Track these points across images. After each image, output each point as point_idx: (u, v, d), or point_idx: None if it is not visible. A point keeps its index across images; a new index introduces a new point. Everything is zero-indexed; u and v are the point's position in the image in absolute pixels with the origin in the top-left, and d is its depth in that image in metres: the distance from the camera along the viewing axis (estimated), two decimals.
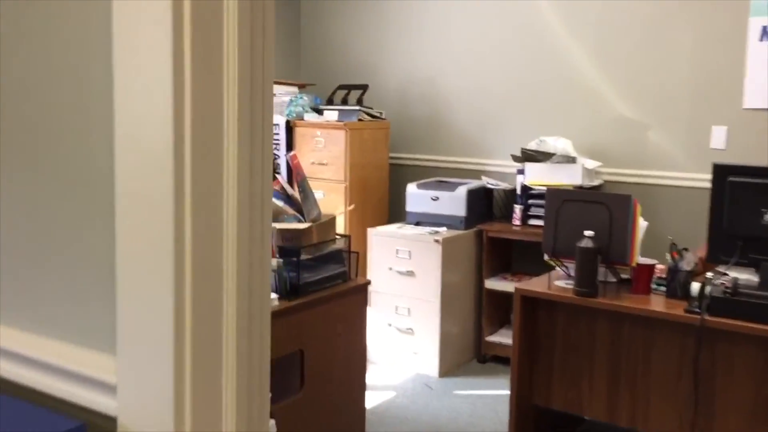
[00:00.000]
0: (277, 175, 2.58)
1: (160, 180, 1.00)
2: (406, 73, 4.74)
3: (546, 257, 2.82)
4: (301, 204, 2.55)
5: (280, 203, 2.55)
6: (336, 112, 4.33)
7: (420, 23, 4.66)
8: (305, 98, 4.51)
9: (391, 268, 4.02)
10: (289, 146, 4.37)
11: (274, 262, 2.44)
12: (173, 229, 0.99)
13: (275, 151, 4.39)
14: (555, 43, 4.16)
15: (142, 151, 1.01)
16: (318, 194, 4.26)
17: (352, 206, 4.11)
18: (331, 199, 4.25)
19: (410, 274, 3.97)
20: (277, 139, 4.38)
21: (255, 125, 1.07)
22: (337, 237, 2.74)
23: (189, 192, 1.00)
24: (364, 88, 4.51)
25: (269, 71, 1.09)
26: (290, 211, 2.56)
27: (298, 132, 4.37)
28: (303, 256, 2.52)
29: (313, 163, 4.31)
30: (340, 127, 4.21)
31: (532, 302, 2.83)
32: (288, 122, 4.37)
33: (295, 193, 2.56)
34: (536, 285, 2.85)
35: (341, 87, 4.59)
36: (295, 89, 4.60)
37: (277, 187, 2.57)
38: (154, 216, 1.01)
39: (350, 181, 4.23)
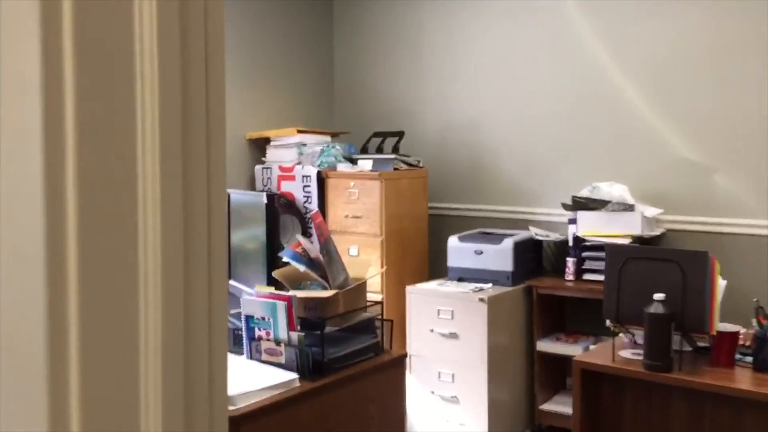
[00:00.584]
0: (299, 237, 2.28)
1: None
2: (444, 117, 4.46)
3: (608, 323, 2.45)
4: (326, 268, 2.25)
5: (301, 268, 2.25)
6: (370, 161, 4.05)
7: (459, 65, 4.39)
8: (338, 147, 4.25)
9: (432, 330, 3.67)
10: (321, 199, 4.10)
11: (295, 336, 2.13)
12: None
13: (306, 204, 4.13)
14: (607, 80, 3.83)
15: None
16: (352, 250, 3.96)
17: (384, 269, 3.79)
18: (367, 254, 3.94)
19: (453, 336, 3.62)
20: (309, 192, 4.11)
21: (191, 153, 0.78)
22: (369, 304, 2.43)
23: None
24: (399, 135, 4.24)
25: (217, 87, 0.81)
26: (314, 276, 2.26)
27: (331, 183, 4.10)
28: (328, 329, 2.20)
29: (346, 216, 4.02)
30: (375, 177, 3.93)
31: (594, 375, 2.45)
32: (320, 173, 4.10)
33: (320, 255, 2.26)
34: (598, 356, 2.48)
35: (376, 134, 4.32)
36: (327, 138, 4.35)
37: (298, 250, 2.27)
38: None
39: (386, 235, 3.92)
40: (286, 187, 4.21)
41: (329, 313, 2.21)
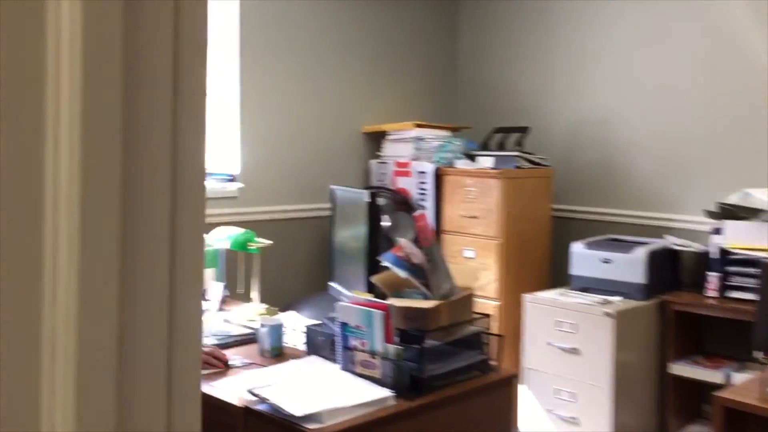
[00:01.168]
0: (401, 240, 2.09)
1: None
2: (573, 113, 4.12)
3: (758, 355, 2.09)
4: (428, 276, 2.04)
5: (402, 274, 2.06)
6: (491, 159, 3.80)
7: (592, 56, 4.04)
8: (457, 143, 4.02)
9: (550, 343, 3.38)
10: (437, 196, 3.89)
11: (392, 348, 1.93)
12: None
13: (421, 202, 3.93)
14: (763, 72, 3.38)
15: None
16: (467, 252, 3.73)
17: (492, 279, 3.52)
18: (482, 257, 3.69)
19: (574, 351, 3.31)
20: (424, 189, 3.91)
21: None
22: (477, 316, 2.19)
23: None
24: (523, 131, 3.95)
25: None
26: (415, 283, 2.05)
27: (448, 181, 3.87)
28: (429, 342, 1.99)
29: (462, 216, 3.79)
30: (495, 175, 3.67)
31: (739, 413, 2.10)
32: (437, 169, 3.89)
33: (423, 261, 2.05)
34: (743, 392, 2.13)
35: (498, 130, 4.05)
36: (446, 133, 4.13)
37: (399, 254, 2.07)
38: None
39: (505, 238, 3.66)
40: (401, 183, 4.03)
41: (431, 325, 2.00)
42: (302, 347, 2.37)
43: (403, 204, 3.94)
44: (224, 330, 2.57)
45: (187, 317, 0.66)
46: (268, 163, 3.80)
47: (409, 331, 1.98)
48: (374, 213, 2.28)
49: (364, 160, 4.23)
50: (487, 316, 2.19)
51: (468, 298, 2.13)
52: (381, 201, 3.91)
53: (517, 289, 3.62)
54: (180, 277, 0.65)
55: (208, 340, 2.38)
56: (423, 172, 3.92)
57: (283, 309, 2.97)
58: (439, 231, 3.90)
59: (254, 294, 2.89)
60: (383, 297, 2.10)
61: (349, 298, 2.07)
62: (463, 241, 3.78)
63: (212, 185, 3.55)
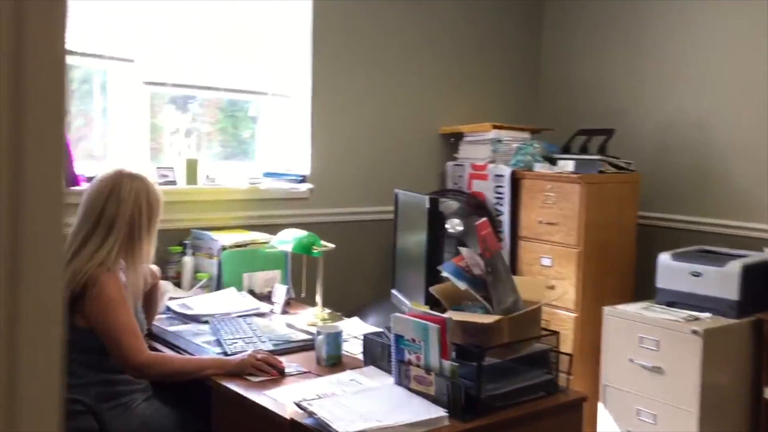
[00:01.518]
0: (463, 249, 1.96)
1: None
2: (664, 115, 3.87)
3: None
4: (490, 288, 1.90)
5: (462, 285, 1.93)
6: (572, 162, 3.60)
7: (685, 55, 3.77)
8: (537, 145, 3.84)
9: (632, 360, 3.16)
10: (514, 201, 3.72)
11: (447, 365, 1.81)
12: None
13: (497, 206, 3.78)
14: None
15: None
16: (545, 260, 3.55)
17: (569, 290, 3.32)
18: (560, 266, 3.51)
19: (657, 370, 3.08)
20: (501, 193, 3.75)
21: None
22: (545, 333, 2.04)
23: None
24: (608, 133, 3.73)
25: None
26: (476, 296, 1.92)
27: (525, 185, 3.70)
28: (488, 360, 1.86)
29: (540, 221, 3.61)
30: (576, 180, 3.47)
31: None
32: (514, 173, 3.73)
33: (484, 273, 1.92)
34: None
35: (581, 132, 3.85)
36: (525, 135, 3.96)
37: (461, 264, 1.95)
38: None
39: (585, 246, 3.45)
40: (477, 186, 3.88)
41: (491, 341, 1.87)
42: (361, 356, 2.28)
43: (478, 208, 3.80)
44: (283, 335, 2.51)
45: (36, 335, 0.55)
46: (339, 165, 3.73)
47: (467, 347, 1.86)
48: (436, 219, 2.16)
49: (441, 162, 4.11)
50: (556, 333, 2.03)
51: (534, 313, 1.98)
52: (454, 205, 3.78)
53: (596, 301, 3.42)
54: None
55: (264, 346, 2.33)
56: (500, 176, 3.76)
57: (348, 315, 2.89)
58: (515, 237, 3.73)
59: (318, 298, 2.82)
60: (443, 309, 1.98)
61: (406, 309, 1.96)
62: (540, 248, 3.61)
63: (283, 186, 3.51)
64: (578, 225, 3.45)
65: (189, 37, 3.31)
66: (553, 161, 3.73)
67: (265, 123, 3.74)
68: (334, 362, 2.24)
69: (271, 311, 2.87)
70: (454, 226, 3.72)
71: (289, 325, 2.67)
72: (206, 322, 2.64)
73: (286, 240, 2.85)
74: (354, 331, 2.59)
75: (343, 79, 3.72)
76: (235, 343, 2.33)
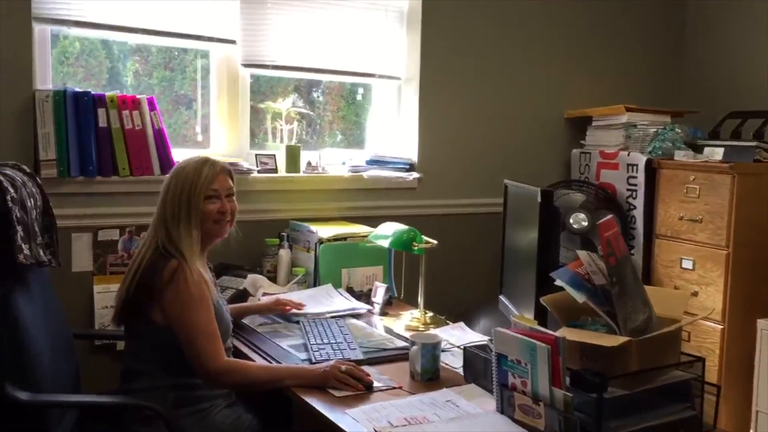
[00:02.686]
0: (581, 253, 1.60)
1: None
2: None
3: None
4: (615, 302, 1.54)
5: (580, 298, 1.58)
6: (722, 149, 3.10)
7: None
8: (679, 130, 3.36)
9: None
10: (650, 194, 3.27)
11: (560, 395, 1.48)
12: None
13: (629, 200, 3.34)
14: None
15: None
16: (685, 262, 3.09)
17: (702, 315, 2.84)
18: (704, 270, 3.03)
19: None
20: (634, 185, 3.31)
21: None
22: (687, 359, 1.66)
23: None
24: (766, 116, 3.19)
25: None
26: (597, 311, 1.57)
27: (664, 175, 3.24)
28: (612, 391, 1.50)
29: (681, 218, 3.14)
30: (726, 170, 2.98)
31: None
32: (650, 162, 3.27)
33: (608, 283, 1.56)
34: None
35: (733, 114, 3.33)
36: (666, 119, 3.48)
37: (579, 270, 1.60)
38: None
39: (734, 247, 2.96)
40: (607, 177, 3.46)
41: (615, 368, 1.51)
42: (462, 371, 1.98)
43: (607, 202, 3.38)
44: (378, 341, 2.25)
45: None
46: (450, 152, 3.42)
47: (585, 374, 1.51)
48: (549, 216, 1.81)
49: (565, 150, 3.70)
50: (701, 359, 1.64)
51: (672, 335, 1.60)
52: (579, 198, 3.38)
53: (748, 312, 2.92)
54: None
55: (353, 354, 2.07)
56: (633, 165, 3.32)
57: (454, 319, 2.58)
58: (650, 235, 3.28)
59: (420, 299, 2.54)
60: (555, 325, 1.64)
61: (512, 322, 1.64)
62: (680, 248, 3.14)
63: (388, 174, 3.25)
64: (727, 222, 2.96)
65: (294, 18, 3.10)
66: (698, 148, 3.25)
67: (375, 109, 3.49)
68: (430, 377, 1.95)
69: (370, 311, 2.62)
70: (578, 221, 3.33)
71: (388, 330, 2.41)
72: (297, 321, 2.42)
73: (384, 234, 2.59)
74: (457, 339, 2.29)
75: (455, 59, 3.40)
76: (322, 349, 2.09)
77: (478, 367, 1.90)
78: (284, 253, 2.86)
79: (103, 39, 2.88)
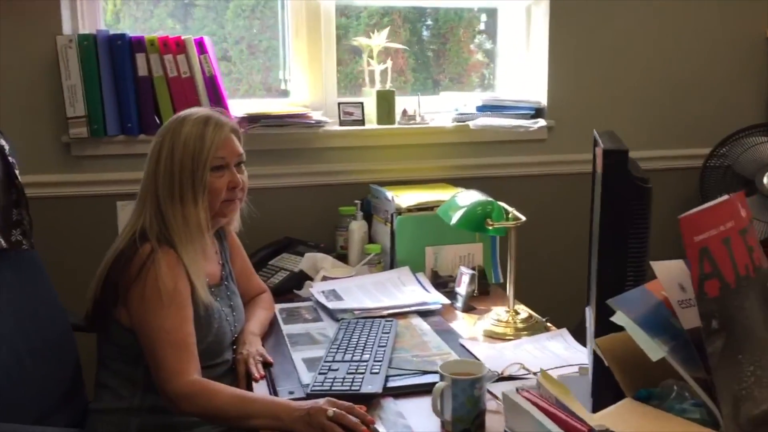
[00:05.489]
0: (659, 266, 0.87)
1: None
2: None
3: None
4: (713, 366, 0.80)
5: (657, 351, 0.85)
6: None
7: None
8: None
9: None
10: None
11: None
12: None
13: None
14: None
15: None
16: None
17: None
18: None
19: None
20: None
21: None
22: None
23: None
24: None
25: None
26: (687, 379, 0.83)
27: None
28: None
29: None
30: None
31: None
32: None
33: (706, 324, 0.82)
34: None
35: None
36: None
37: (657, 296, 0.87)
38: None
39: None
40: None
41: None
42: None
43: None
44: (423, 360, 1.62)
45: None
46: (593, 92, 2.62)
47: None
48: (622, 194, 1.02)
49: (765, 84, 2.72)
50: None
51: None
52: None
53: None
54: None
55: (370, 384, 1.46)
56: None
57: (559, 320, 1.87)
58: None
59: (509, 292, 1.86)
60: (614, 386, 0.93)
61: (537, 383, 0.95)
62: None
63: (506, 123, 2.54)
64: None
65: None
66: None
67: (500, 42, 2.78)
68: (467, 428, 1.31)
69: (453, 306, 2.00)
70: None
71: (452, 338, 1.77)
72: (341, 319, 1.86)
73: (458, 206, 1.93)
74: (548, 356, 1.61)
75: None
76: (324, 374, 1.51)
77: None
78: (357, 226, 2.30)
79: None
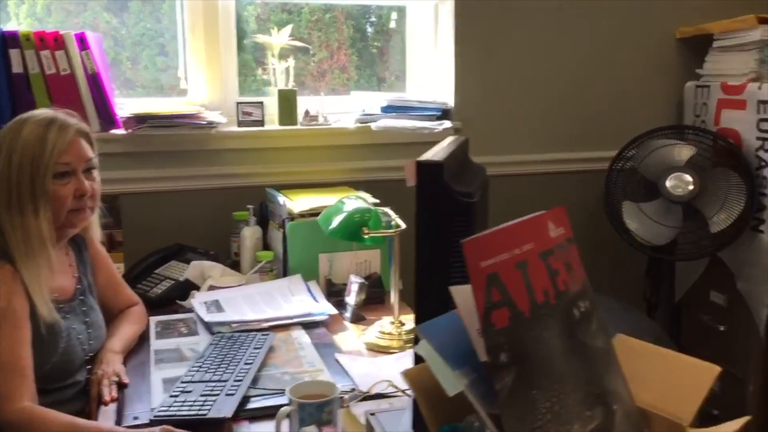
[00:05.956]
0: (455, 291, 0.80)
1: None
2: None
3: None
4: (500, 403, 0.72)
5: (453, 384, 0.77)
6: None
7: None
8: None
9: None
10: None
11: None
12: None
13: (760, 153, 2.30)
14: None
15: None
16: None
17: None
18: None
19: None
20: (767, 131, 2.27)
21: None
22: None
23: None
24: None
25: None
26: (482, 415, 0.75)
27: None
28: None
29: None
30: None
31: None
32: None
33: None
34: None
35: None
36: None
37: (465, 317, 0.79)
38: None
39: None
40: (729, 120, 2.43)
41: None
42: None
43: (727, 156, 2.37)
44: (291, 377, 1.53)
45: None
46: (502, 93, 2.55)
47: None
48: (429, 209, 0.94)
49: (680, 83, 2.69)
50: None
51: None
52: (688, 151, 2.39)
53: None
54: None
55: (223, 405, 1.36)
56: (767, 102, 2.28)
57: None
58: None
59: (393, 299, 1.78)
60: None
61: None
62: None
63: (409, 125, 2.46)
64: None
65: None
66: None
67: (408, 41, 2.70)
68: None
69: (343, 316, 1.91)
70: (682, 184, 2.36)
71: (328, 351, 1.69)
72: (218, 332, 1.76)
73: (331, 215, 1.84)
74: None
75: None
76: (176, 396, 1.39)
77: None
78: (249, 232, 2.20)
79: None
